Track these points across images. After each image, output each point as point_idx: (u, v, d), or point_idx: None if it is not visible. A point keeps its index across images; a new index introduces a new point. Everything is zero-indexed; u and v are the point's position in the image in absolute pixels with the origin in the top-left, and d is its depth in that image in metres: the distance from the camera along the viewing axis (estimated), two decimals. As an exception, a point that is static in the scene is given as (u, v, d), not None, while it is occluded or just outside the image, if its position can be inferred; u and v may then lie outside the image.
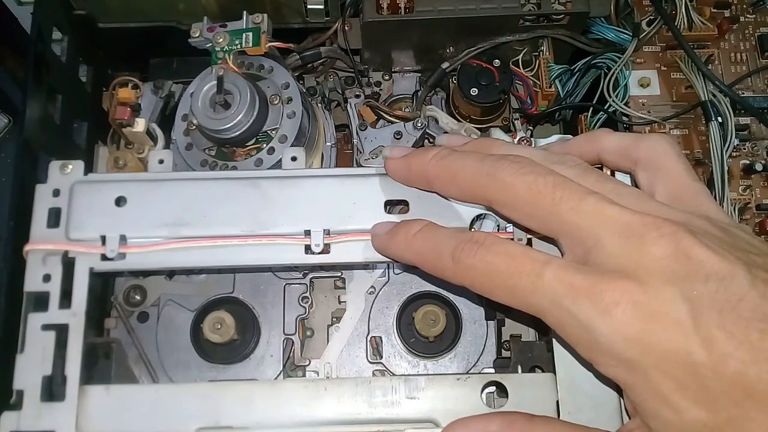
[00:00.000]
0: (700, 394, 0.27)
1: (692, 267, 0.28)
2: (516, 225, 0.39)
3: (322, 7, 0.55)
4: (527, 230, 0.39)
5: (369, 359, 0.49)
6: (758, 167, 0.50)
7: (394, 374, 0.48)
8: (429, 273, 0.37)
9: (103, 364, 0.45)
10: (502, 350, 0.48)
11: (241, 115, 0.47)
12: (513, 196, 0.33)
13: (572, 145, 0.39)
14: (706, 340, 0.27)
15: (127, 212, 0.42)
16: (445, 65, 0.56)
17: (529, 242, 0.41)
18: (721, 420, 0.27)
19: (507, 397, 0.39)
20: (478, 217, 0.43)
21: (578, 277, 0.29)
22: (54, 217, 0.42)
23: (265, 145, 0.49)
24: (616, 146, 0.37)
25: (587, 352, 0.30)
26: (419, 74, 0.59)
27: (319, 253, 0.42)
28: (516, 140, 0.45)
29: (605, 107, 0.53)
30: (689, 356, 0.27)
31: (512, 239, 0.41)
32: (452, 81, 0.57)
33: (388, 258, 0.40)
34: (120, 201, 0.42)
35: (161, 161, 0.46)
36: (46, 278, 0.41)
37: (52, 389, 0.39)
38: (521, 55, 0.57)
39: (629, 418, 0.33)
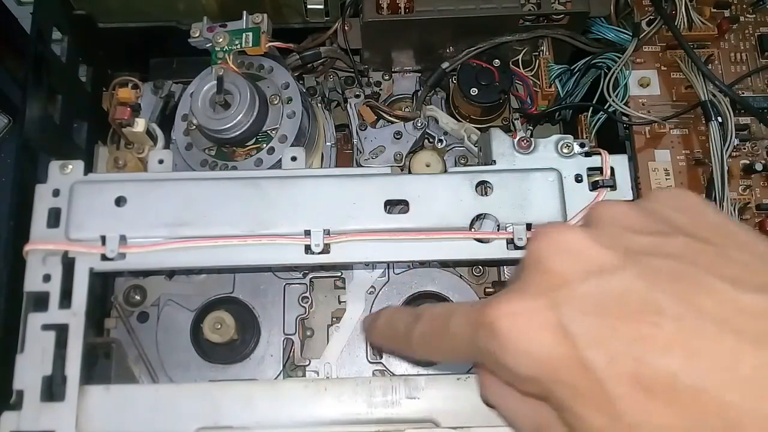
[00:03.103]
0: (599, 400, 0.25)
1: (571, 265, 0.26)
2: None
3: (322, 7, 0.55)
4: None
5: (369, 359, 0.49)
6: (758, 167, 0.50)
7: (394, 374, 0.48)
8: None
9: (103, 364, 0.45)
10: (502, 350, 0.48)
11: (241, 115, 0.47)
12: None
13: None
14: (593, 341, 0.25)
15: (127, 212, 0.42)
16: (445, 65, 0.56)
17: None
18: (625, 427, 0.24)
19: (507, 397, 0.39)
20: (478, 217, 0.43)
21: (474, 311, 0.29)
22: (54, 217, 0.42)
23: (265, 145, 0.49)
24: None
25: (504, 378, 0.29)
26: (419, 74, 0.59)
27: (319, 253, 0.42)
28: (516, 140, 0.45)
29: (605, 107, 0.53)
30: (579, 361, 0.25)
31: (512, 238, 0.42)
32: (452, 81, 0.57)
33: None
34: (120, 201, 0.43)
35: (161, 161, 0.46)
36: (46, 278, 0.41)
37: (52, 389, 0.39)
38: (521, 55, 0.57)
39: None
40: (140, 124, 0.51)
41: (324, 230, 0.42)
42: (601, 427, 0.25)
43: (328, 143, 0.56)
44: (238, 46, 0.49)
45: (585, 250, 0.27)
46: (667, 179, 0.50)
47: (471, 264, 0.51)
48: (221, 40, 0.49)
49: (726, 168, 0.49)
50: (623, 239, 0.27)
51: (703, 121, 0.51)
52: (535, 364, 0.26)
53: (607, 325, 0.25)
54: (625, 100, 0.53)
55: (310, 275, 0.50)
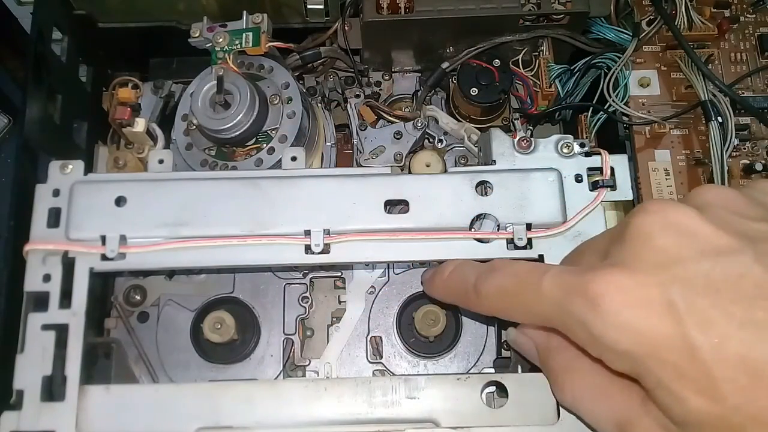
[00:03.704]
0: (701, 381, 0.24)
1: (683, 244, 0.26)
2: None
3: (322, 7, 0.55)
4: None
5: (369, 359, 0.49)
6: (758, 167, 0.50)
7: (394, 374, 0.48)
8: (469, 311, 0.39)
9: (103, 364, 0.45)
10: (502, 350, 0.48)
11: (241, 115, 0.47)
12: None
13: None
14: (703, 322, 0.24)
15: (127, 212, 0.42)
16: (445, 65, 0.56)
17: (529, 241, 0.42)
18: (727, 410, 0.24)
19: (507, 396, 0.39)
20: (478, 217, 0.43)
21: (571, 277, 0.28)
22: (54, 217, 0.42)
23: (265, 145, 0.49)
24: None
25: (593, 351, 0.28)
26: (419, 74, 0.59)
27: (319, 253, 0.42)
28: (516, 140, 0.45)
29: (605, 107, 0.53)
30: (684, 341, 0.25)
31: (512, 238, 0.42)
32: (452, 81, 0.57)
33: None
34: (120, 201, 0.43)
35: (161, 161, 0.46)
36: (46, 278, 0.41)
37: (52, 389, 0.39)
38: (521, 55, 0.57)
39: None
40: (140, 124, 0.51)
41: (324, 230, 0.42)
42: (701, 408, 0.25)
43: (328, 143, 0.56)
44: (238, 46, 0.49)
45: (700, 230, 0.26)
46: (667, 179, 0.50)
47: (471, 264, 0.51)
48: (221, 40, 0.49)
49: (726, 168, 0.49)
50: (737, 224, 0.27)
51: (703, 121, 0.51)
52: (636, 340, 0.26)
53: (718, 306, 0.24)
54: (625, 100, 0.53)
55: (310, 275, 0.50)
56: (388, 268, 0.50)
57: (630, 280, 0.26)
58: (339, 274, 0.51)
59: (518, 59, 0.57)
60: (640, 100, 0.53)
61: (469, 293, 0.36)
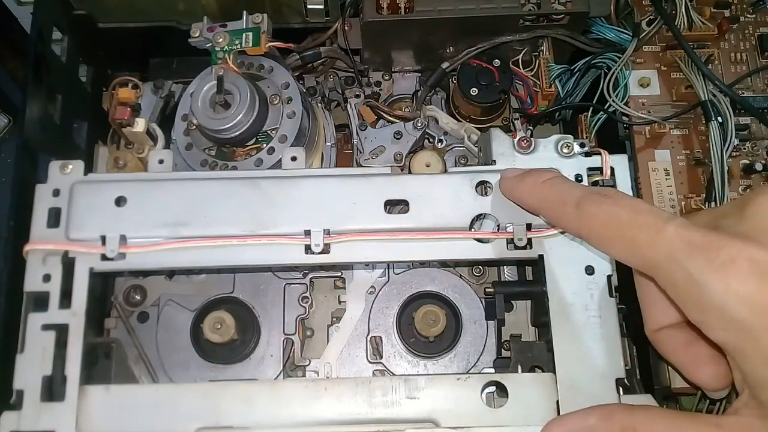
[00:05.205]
0: None
1: None
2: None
3: (322, 7, 0.55)
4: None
5: (369, 359, 0.49)
6: (758, 167, 0.50)
7: (394, 374, 0.48)
8: (548, 220, 0.39)
9: (103, 364, 0.45)
10: (502, 350, 0.48)
11: (241, 115, 0.47)
12: None
13: None
14: None
15: (127, 212, 0.42)
16: (445, 65, 0.56)
17: (529, 242, 0.42)
18: None
19: (507, 396, 0.39)
20: (478, 217, 0.43)
21: (698, 235, 0.29)
22: (54, 217, 0.42)
23: (265, 145, 0.49)
24: None
25: (697, 313, 0.29)
26: (419, 74, 0.59)
27: (319, 253, 0.42)
28: (516, 140, 0.45)
29: (605, 107, 0.53)
30: None
31: (512, 238, 0.42)
32: (452, 81, 0.57)
33: (512, 200, 0.42)
34: (120, 201, 0.43)
35: (161, 161, 0.46)
36: (46, 278, 0.41)
37: (52, 389, 0.39)
38: (521, 55, 0.57)
39: (736, 396, 0.32)
40: (140, 124, 0.51)
41: (324, 230, 0.42)
42: None
43: (328, 143, 0.56)
44: (238, 46, 0.49)
45: None
46: (667, 179, 0.50)
47: (471, 264, 0.51)
48: (221, 40, 0.49)
49: (726, 168, 0.49)
50: None
51: (703, 121, 0.51)
52: (757, 310, 0.27)
53: None
54: (625, 100, 0.53)
55: (310, 275, 0.50)
56: (388, 268, 0.50)
57: (762, 254, 0.27)
58: (339, 274, 0.51)
59: (518, 59, 0.57)
60: (640, 100, 0.53)
61: (567, 206, 0.36)
